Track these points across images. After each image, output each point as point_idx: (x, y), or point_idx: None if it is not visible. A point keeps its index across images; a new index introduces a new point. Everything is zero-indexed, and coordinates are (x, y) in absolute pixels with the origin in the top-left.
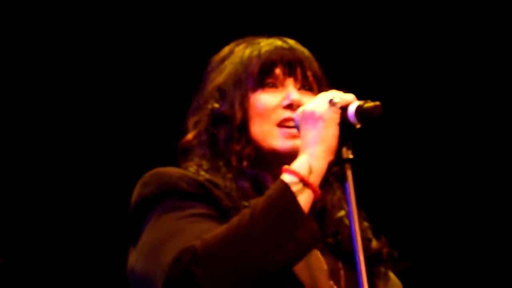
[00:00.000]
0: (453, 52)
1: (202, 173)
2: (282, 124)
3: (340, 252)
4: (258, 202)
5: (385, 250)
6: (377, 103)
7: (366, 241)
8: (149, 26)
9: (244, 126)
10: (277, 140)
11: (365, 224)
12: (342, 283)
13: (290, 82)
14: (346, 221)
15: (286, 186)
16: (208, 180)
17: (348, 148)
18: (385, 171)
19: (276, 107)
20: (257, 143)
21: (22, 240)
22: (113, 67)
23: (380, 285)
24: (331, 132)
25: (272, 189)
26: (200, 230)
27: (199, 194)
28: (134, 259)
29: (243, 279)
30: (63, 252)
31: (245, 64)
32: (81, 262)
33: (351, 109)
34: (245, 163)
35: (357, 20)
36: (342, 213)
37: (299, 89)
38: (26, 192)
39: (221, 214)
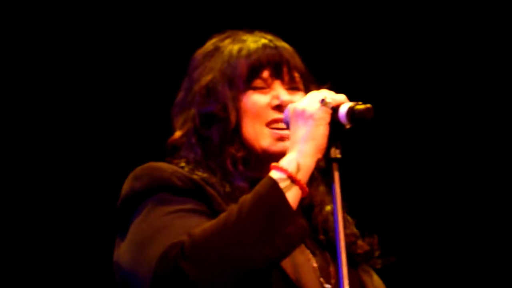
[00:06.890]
0: (441, 50)
1: (198, 172)
2: (271, 125)
3: (332, 248)
4: (246, 198)
5: (370, 247)
6: (369, 105)
7: (353, 238)
8: (131, 24)
9: (237, 127)
10: (267, 141)
11: (350, 219)
12: (333, 279)
13: (277, 84)
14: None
15: (274, 183)
16: (202, 179)
17: (336, 148)
18: (370, 170)
19: (266, 107)
20: (250, 144)
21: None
22: (100, 66)
23: (368, 281)
24: (321, 131)
25: (260, 185)
26: (189, 226)
27: (190, 190)
28: (122, 252)
29: (231, 273)
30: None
31: (233, 64)
32: (74, 261)
33: (343, 110)
34: (240, 167)
35: (343, 16)
36: (328, 208)
37: (287, 89)
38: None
39: (213, 212)
